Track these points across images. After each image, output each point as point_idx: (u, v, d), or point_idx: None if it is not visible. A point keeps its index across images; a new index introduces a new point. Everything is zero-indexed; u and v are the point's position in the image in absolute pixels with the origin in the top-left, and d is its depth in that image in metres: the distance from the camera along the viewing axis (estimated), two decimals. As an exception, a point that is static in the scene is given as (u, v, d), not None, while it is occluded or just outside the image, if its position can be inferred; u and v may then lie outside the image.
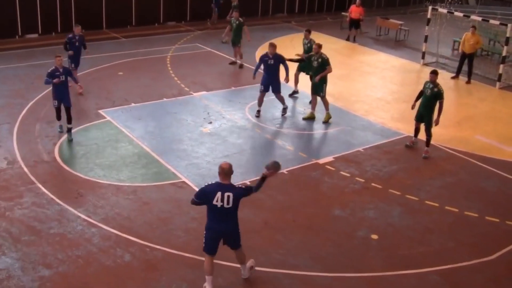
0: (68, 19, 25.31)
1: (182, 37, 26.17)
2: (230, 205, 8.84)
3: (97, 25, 26.31)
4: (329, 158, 14.41)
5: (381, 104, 18.61)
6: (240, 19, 21.76)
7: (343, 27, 29.23)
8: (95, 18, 26.28)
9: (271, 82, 16.65)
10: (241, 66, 21.72)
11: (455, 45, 26.09)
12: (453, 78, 21.84)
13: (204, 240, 9.17)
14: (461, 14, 23.00)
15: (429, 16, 23.53)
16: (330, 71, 16.57)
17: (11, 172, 12.90)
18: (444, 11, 23.93)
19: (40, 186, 12.34)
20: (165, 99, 17.87)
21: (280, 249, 10.59)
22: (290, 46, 23.73)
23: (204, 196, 8.84)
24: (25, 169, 13.05)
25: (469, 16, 22.84)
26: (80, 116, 16.10)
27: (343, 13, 30.92)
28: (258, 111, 16.87)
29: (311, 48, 17.75)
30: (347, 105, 18.21)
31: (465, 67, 21.70)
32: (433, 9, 23.67)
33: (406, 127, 16.36)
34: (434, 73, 14.66)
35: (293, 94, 18.69)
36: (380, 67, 23.10)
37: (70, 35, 18.16)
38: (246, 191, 9.07)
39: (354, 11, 27.23)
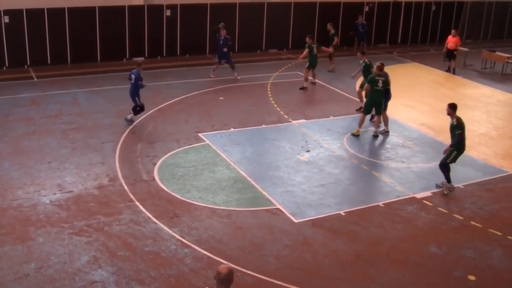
0: (173, 45, 26.29)
1: (283, 65, 26.40)
2: None
3: (200, 51, 27.03)
4: (427, 193, 14.03)
5: (484, 139, 17.97)
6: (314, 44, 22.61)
7: (446, 60, 28.57)
8: (199, 45, 27.01)
9: None
10: (313, 83, 22.99)
11: None
12: None
13: None
14: None
15: (539, 50, 22.64)
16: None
17: (112, 189, 13.35)
18: (556, 45, 22.97)
19: (138, 204, 12.69)
20: (263, 125, 18.02)
21: (372, 283, 10.35)
22: (393, 76, 23.38)
23: None
24: (125, 187, 13.48)
25: None
26: (180, 138, 16.51)
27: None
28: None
29: (366, 67, 19.54)
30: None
31: None
32: (544, 43, 22.78)
33: (510, 165, 15.73)
34: (449, 106, 14.09)
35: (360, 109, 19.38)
36: (484, 101, 22.35)
37: (217, 35, 23.37)
38: None
39: (450, 41, 26.59)
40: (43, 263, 10.38)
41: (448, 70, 26.75)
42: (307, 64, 22.56)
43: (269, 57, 27.91)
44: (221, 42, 23.06)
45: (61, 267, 10.29)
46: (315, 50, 22.42)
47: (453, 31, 27.07)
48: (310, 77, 22.82)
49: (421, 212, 13.12)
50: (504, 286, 10.48)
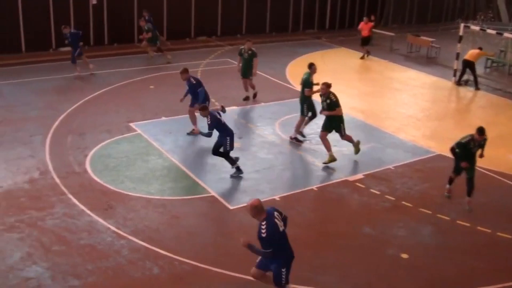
0: (101, 33, 26.01)
1: (212, 52, 26.31)
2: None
3: (129, 39, 26.62)
4: (359, 176, 14.31)
5: (412, 121, 18.45)
6: (253, 49, 19.16)
7: (373, 44, 29.07)
8: (128, 32, 26.60)
9: None
10: (255, 95, 19.73)
11: (487, 63, 25.84)
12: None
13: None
14: (494, 32, 22.81)
15: (461, 33, 23.32)
16: (339, 113, 14.91)
17: (43, 183, 13.03)
18: (477, 28, 23.72)
19: (71, 197, 12.44)
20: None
21: (308, 266, 10.50)
22: (321, 61, 23.71)
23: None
24: (57, 180, 13.18)
25: (502, 34, 22.63)
26: (111, 128, 16.25)
27: (372, 29, 30.85)
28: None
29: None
30: (377, 122, 18.08)
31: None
32: (465, 26, 23.49)
33: (437, 145, 16.20)
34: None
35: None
36: (410, 84, 22.93)
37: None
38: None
39: (364, 28, 26.97)
40: (-27, 262, 10.08)
41: (362, 58, 26.95)
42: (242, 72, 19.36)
43: (198, 45, 27.73)
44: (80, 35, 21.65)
45: (-8, 265, 10.01)
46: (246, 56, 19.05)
47: (365, 18, 27.46)
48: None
49: (353, 194, 13.37)
50: (434, 262, 10.82)
